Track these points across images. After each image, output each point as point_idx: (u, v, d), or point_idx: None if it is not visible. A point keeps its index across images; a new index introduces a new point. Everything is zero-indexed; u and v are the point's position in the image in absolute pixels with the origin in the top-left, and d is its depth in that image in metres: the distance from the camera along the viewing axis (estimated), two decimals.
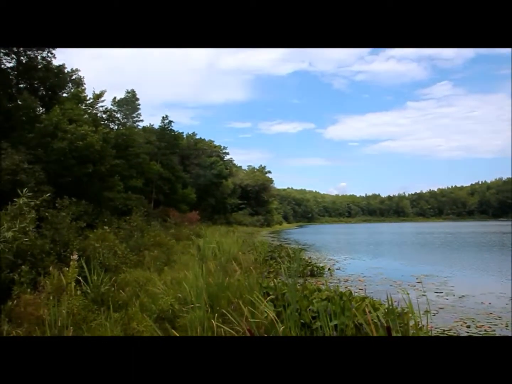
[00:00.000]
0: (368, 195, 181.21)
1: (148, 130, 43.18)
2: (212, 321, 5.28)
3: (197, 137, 63.56)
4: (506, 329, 8.14)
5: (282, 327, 5.51)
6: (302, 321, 6.40)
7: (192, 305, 6.47)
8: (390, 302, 6.14)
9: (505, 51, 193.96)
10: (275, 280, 9.23)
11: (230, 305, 6.74)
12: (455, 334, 7.70)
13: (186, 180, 48.46)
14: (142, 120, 37.74)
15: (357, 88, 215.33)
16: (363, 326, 6.09)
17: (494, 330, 8.03)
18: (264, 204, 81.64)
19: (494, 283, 13.83)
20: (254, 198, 78.21)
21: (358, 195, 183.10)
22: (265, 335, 5.86)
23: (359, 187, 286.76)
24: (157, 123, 46.86)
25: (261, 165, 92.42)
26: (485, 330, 8.05)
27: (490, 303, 10.46)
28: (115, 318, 6.36)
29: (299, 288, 7.60)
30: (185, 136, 59.34)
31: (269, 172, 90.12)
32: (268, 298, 6.94)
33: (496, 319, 8.96)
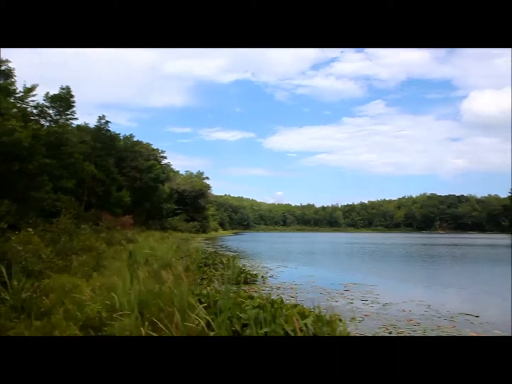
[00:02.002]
0: (303, 205, 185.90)
1: (83, 129, 41.41)
2: (142, 329, 5.15)
3: (135, 139, 61.78)
4: (424, 334, 8.67)
5: (212, 334, 5.49)
6: (233, 328, 6.42)
7: (121, 313, 6.27)
8: (319, 309, 6.33)
9: (434, 76, 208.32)
10: (208, 287, 9.19)
11: (161, 313, 6.61)
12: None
13: (121, 182, 46.93)
14: (76, 118, 36.03)
15: (298, 101, 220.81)
16: (293, 334, 6.24)
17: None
18: (201, 210, 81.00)
19: (414, 292, 14.72)
20: (191, 203, 77.37)
21: (293, 205, 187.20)
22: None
23: (295, 196, 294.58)
24: (93, 123, 45.07)
25: (199, 171, 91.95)
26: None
27: (410, 310, 11.11)
28: (36, 326, 6.00)
29: (232, 296, 7.62)
30: (122, 138, 57.46)
31: (207, 178, 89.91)
32: (200, 306, 6.89)
33: (415, 325, 9.52)
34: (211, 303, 7.30)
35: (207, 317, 6.31)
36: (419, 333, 8.84)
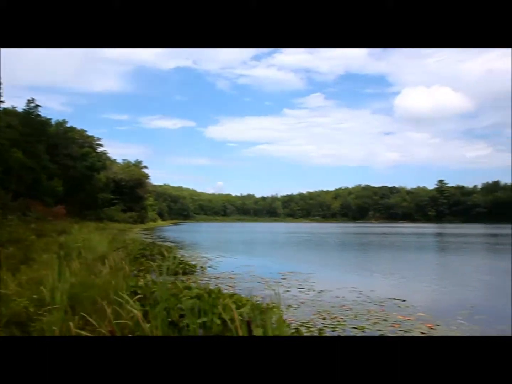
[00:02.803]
0: (243, 195, 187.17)
1: (10, 113, 38.76)
2: (71, 323, 4.96)
3: (68, 125, 58.83)
4: (355, 319, 9.11)
5: (148, 325, 5.40)
6: (170, 319, 6.36)
7: (49, 307, 5.98)
8: (252, 298, 6.42)
9: (371, 72, 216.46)
10: (143, 279, 9.02)
11: (94, 306, 6.40)
12: (313, 329, 8.34)
13: (53, 171, 44.53)
14: (2, 101, 33.61)
15: (240, 90, 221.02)
16: (230, 322, 6.29)
17: (345, 321, 8.91)
18: (139, 200, 78.94)
19: (347, 279, 15.38)
20: (128, 193, 75.11)
21: (234, 195, 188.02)
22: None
23: (236, 187, 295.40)
24: (21, 106, 42.20)
25: (137, 159, 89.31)
26: (338, 321, 8.90)
27: (343, 297, 11.60)
28: None
29: (169, 287, 7.54)
30: (54, 123, 54.49)
31: (146, 167, 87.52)
32: (135, 297, 6.75)
33: (347, 310, 9.96)
34: (147, 295, 7.17)
35: (142, 309, 6.19)
36: (350, 317, 9.26)
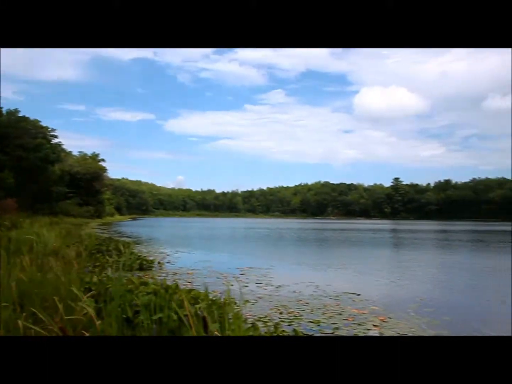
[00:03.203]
0: (203, 190, 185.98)
1: None
2: (19, 321, 4.78)
3: (21, 114, 56.22)
4: (312, 313, 9.29)
5: (98, 322, 5.29)
6: (124, 316, 6.25)
7: None
8: (210, 293, 6.41)
9: (331, 70, 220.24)
10: (98, 275, 8.81)
11: (45, 303, 6.19)
12: (279, 327, 8.44)
13: (4, 162, 42.52)
14: None
15: (201, 84, 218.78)
16: (187, 318, 6.27)
17: (301, 315, 9.08)
18: (96, 194, 76.79)
19: (304, 273, 15.65)
20: (85, 187, 72.85)
21: (194, 190, 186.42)
22: (84, 332, 5.57)
23: (196, 181, 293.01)
24: None
25: (94, 152, 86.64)
26: (294, 316, 9.05)
27: (300, 292, 11.80)
28: None
29: (124, 282, 7.41)
30: (5, 112, 51.95)
31: (103, 160, 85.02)
32: (89, 294, 6.59)
33: (304, 305, 10.15)
34: (101, 291, 7.02)
35: (96, 306, 6.06)
36: (307, 312, 9.44)
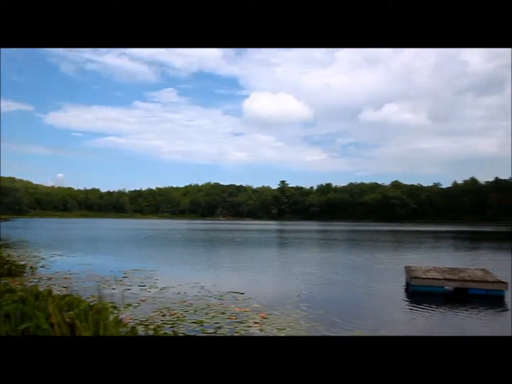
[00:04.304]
0: (87, 189, 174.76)
1: None
2: None
3: None
4: (195, 314, 9.34)
5: None
6: None
7: None
8: (88, 298, 6.12)
9: (224, 73, 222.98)
10: None
11: None
12: (150, 324, 8.28)
13: None
14: None
15: (87, 77, 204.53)
16: (57, 326, 5.88)
17: (185, 316, 9.07)
18: None
19: (190, 274, 15.65)
20: None
21: (76, 188, 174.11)
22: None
23: (78, 180, 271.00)
24: None
25: None
26: (178, 317, 9.01)
27: (185, 293, 11.77)
28: None
29: None
30: None
31: None
32: None
33: (188, 306, 10.15)
34: None
35: None
36: (190, 312, 9.46)
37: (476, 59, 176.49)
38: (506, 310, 11.03)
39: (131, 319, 8.54)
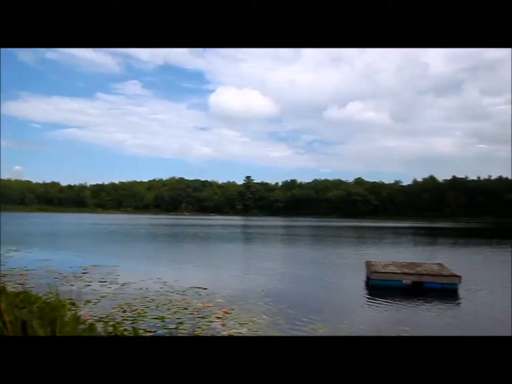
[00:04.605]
0: (46, 182, 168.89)
1: None
2: None
3: None
4: (157, 309, 9.26)
5: None
6: None
7: None
8: (37, 295, 5.97)
9: (190, 67, 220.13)
10: None
11: None
12: (112, 321, 8.13)
13: None
14: None
15: (47, 66, 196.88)
16: (10, 325, 5.68)
17: (146, 312, 8.97)
18: None
19: (152, 270, 15.43)
20: None
21: (34, 182, 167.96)
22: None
23: (37, 173, 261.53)
24: None
25: None
26: (138, 313, 8.91)
27: (147, 288, 11.63)
28: None
29: None
30: None
31: None
32: None
33: (149, 301, 10.05)
34: None
35: None
36: (152, 308, 9.37)
37: (436, 62, 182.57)
38: (458, 303, 11.56)
39: (90, 315, 8.38)
